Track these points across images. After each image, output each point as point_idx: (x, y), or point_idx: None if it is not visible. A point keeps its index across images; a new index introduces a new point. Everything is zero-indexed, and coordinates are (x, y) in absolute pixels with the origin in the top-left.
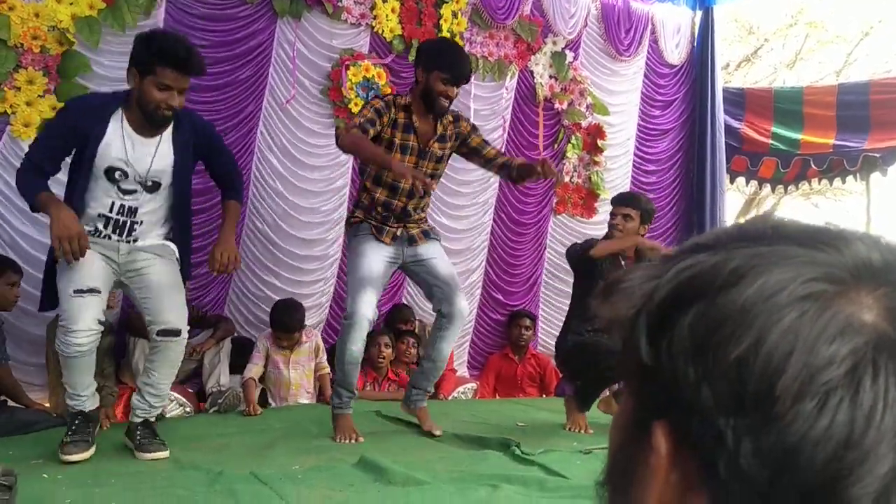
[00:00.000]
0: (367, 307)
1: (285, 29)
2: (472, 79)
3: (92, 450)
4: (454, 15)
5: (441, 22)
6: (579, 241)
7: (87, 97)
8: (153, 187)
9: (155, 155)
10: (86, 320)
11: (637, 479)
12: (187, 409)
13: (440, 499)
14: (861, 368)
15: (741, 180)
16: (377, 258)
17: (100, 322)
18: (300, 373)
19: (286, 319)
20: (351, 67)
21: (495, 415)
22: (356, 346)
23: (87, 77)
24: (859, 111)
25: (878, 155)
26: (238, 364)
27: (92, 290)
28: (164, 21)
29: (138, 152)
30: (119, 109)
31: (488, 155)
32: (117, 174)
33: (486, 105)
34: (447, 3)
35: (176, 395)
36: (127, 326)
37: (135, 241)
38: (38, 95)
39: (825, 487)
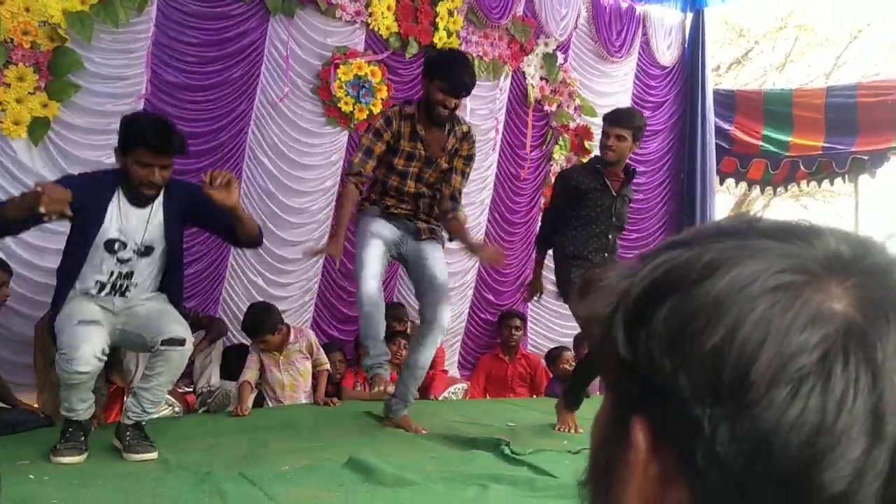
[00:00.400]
0: (373, 279)
1: (278, 27)
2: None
3: (84, 455)
4: (450, 13)
5: (437, 20)
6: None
7: (86, 177)
8: (146, 252)
9: (147, 223)
10: (90, 346)
11: (617, 475)
12: (176, 409)
13: (430, 499)
14: (832, 356)
15: (731, 181)
16: (385, 228)
17: (104, 352)
18: (294, 374)
19: (256, 323)
20: (341, 66)
21: (485, 415)
22: (369, 284)
23: (78, 74)
24: (847, 114)
25: (866, 157)
26: (230, 369)
27: (95, 322)
28: (155, 18)
29: (132, 223)
30: (118, 187)
31: (453, 184)
32: (116, 245)
33: (482, 104)
34: (443, 0)
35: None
36: None
37: (126, 294)
38: (29, 92)
39: (799, 472)
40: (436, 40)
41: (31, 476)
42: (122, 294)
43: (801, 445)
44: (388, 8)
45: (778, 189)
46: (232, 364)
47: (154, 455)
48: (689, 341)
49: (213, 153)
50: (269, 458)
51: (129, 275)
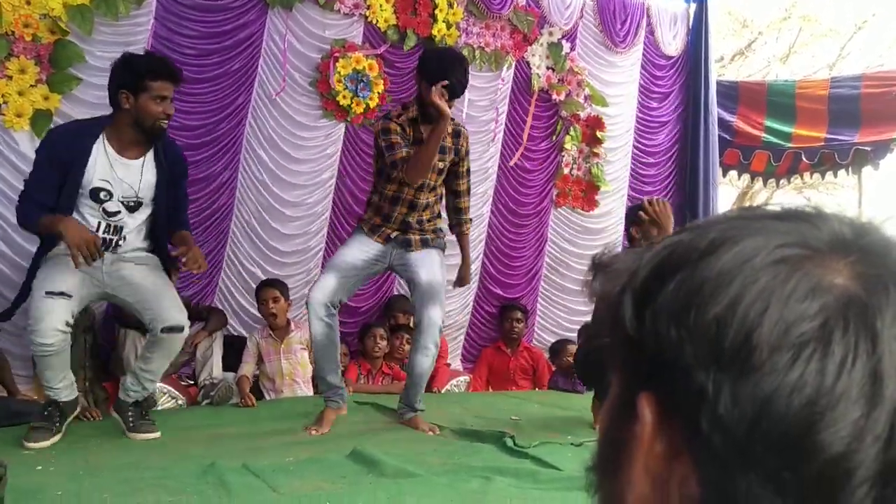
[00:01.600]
0: (319, 291)
1: (276, 20)
2: (469, 69)
3: (56, 437)
4: (450, 4)
5: (436, 12)
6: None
7: (69, 125)
8: (135, 206)
9: (141, 176)
10: (51, 320)
11: (625, 456)
12: (179, 402)
13: (432, 491)
14: (832, 323)
15: (733, 174)
16: (358, 251)
17: (67, 324)
18: (293, 362)
19: (274, 279)
20: (340, 59)
21: (488, 407)
22: (314, 328)
23: (79, 67)
24: (851, 105)
25: (868, 148)
26: (230, 362)
27: (62, 294)
28: (155, 10)
29: (122, 174)
30: (101, 134)
31: (459, 188)
32: (102, 195)
33: (482, 95)
34: None
35: (168, 387)
36: (117, 318)
37: (116, 250)
38: (31, 85)
39: (800, 433)
40: (435, 32)
41: (39, 467)
42: (113, 248)
43: (801, 406)
44: (387, 0)
45: (781, 181)
46: (231, 356)
47: (157, 435)
48: (694, 312)
49: (210, 145)
50: (272, 450)
51: (119, 229)
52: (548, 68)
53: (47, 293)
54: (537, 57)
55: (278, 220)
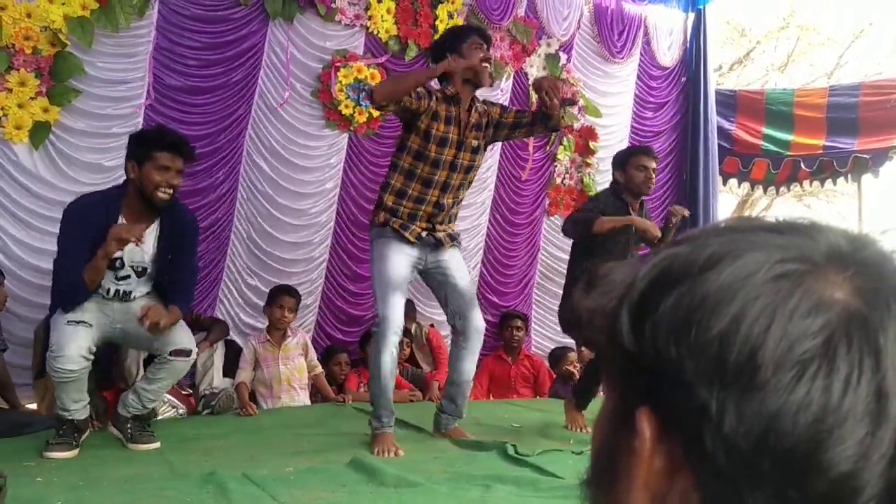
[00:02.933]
0: (397, 313)
1: (277, 31)
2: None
3: (75, 451)
4: (450, 15)
5: (437, 23)
6: (577, 213)
7: (91, 199)
8: (143, 272)
9: (145, 244)
10: (76, 346)
11: (622, 470)
12: (180, 411)
13: (433, 499)
14: (835, 340)
15: (733, 182)
16: (401, 261)
17: (90, 351)
18: (290, 368)
19: (288, 288)
20: (341, 69)
21: (489, 416)
22: (388, 352)
23: (79, 79)
24: (849, 113)
25: (867, 156)
26: (229, 369)
27: (83, 323)
28: (156, 22)
29: (131, 243)
30: (121, 205)
31: (528, 119)
32: (116, 263)
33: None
34: (443, 3)
35: (169, 396)
36: None
37: (125, 302)
38: (30, 97)
39: (807, 452)
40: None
41: (39, 478)
42: (121, 301)
43: (808, 424)
44: (388, 11)
45: (780, 189)
46: (232, 365)
47: (157, 445)
48: (696, 328)
49: (211, 156)
50: (272, 459)
51: (127, 294)
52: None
53: (69, 322)
54: (535, 68)
55: (280, 230)
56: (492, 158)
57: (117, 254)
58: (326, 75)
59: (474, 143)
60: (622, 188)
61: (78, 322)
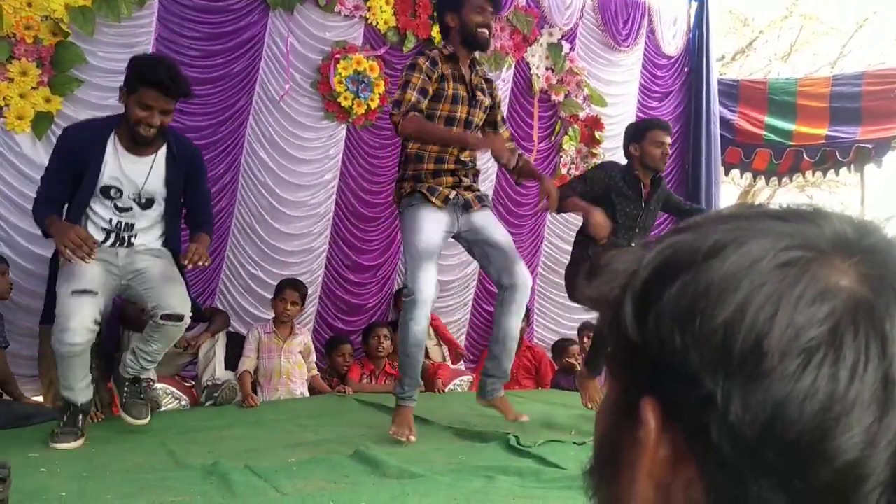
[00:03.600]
0: (429, 284)
1: (277, 22)
2: None
3: (81, 440)
4: None
5: (436, 13)
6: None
7: (84, 123)
8: (147, 204)
9: (149, 174)
10: (81, 318)
11: (625, 461)
12: (183, 403)
13: (435, 490)
14: (842, 327)
15: (735, 172)
16: (434, 229)
17: (96, 322)
18: (292, 362)
19: (294, 282)
20: (341, 61)
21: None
22: (420, 325)
23: (81, 68)
24: (852, 102)
25: (870, 146)
26: (230, 357)
27: (88, 291)
28: (157, 11)
29: (131, 171)
30: (113, 131)
31: (497, 118)
32: (112, 192)
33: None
34: None
35: (171, 388)
36: (121, 320)
37: (130, 245)
38: (32, 87)
39: (813, 439)
40: (434, 34)
41: (43, 469)
42: (126, 245)
43: (815, 413)
44: (387, 2)
45: (783, 179)
46: (235, 357)
47: (146, 421)
48: (700, 317)
49: (212, 147)
50: (275, 450)
51: (130, 226)
52: (547, 69)
53: (74, 292)
54: (537, 57)
55: (280, 221)
56: None
57: (113, 183)
58: (326, 67)
59: (486, 101)
60: (635, 162)
61: (83, 292)
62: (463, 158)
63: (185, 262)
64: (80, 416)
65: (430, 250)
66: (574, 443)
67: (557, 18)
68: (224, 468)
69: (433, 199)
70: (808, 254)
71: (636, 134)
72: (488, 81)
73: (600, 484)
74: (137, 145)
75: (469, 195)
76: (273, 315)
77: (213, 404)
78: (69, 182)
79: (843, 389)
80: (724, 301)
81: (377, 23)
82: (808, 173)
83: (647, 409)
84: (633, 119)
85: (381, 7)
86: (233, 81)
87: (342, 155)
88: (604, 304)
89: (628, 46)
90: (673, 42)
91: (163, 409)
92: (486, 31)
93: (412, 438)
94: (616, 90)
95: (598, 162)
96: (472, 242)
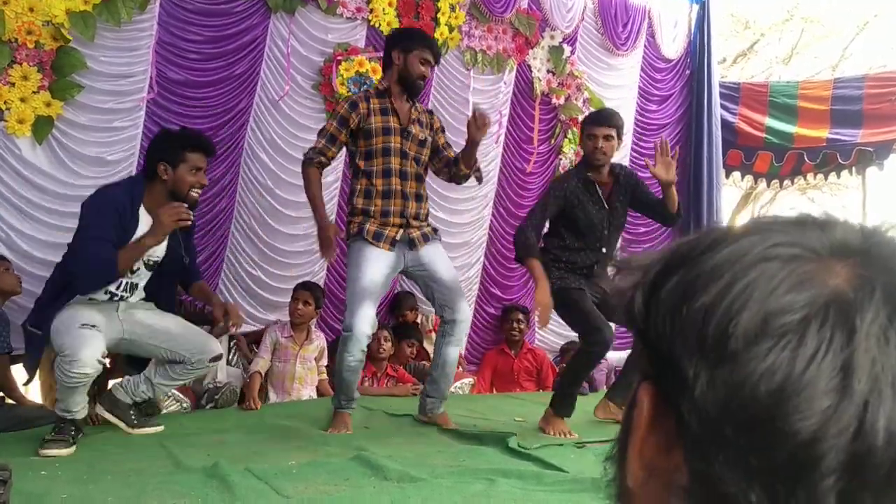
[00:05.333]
0: (365, 323)
1: (279, 24)
2: (471, 72)
3: (72, 449)
4: (452, 8)
5: (439, 15)
6: (534, 210)
7: (121, 189)
8: (153, 266)
9: (165, 241)
10: (92, 350)
11: (630, 444)
12: (184, 405)
13: (436, 494)
14: (811, 316)
15: (736, 175)
16: (377, 268)
17: (104, 356)
18: (306, 368)
19: (306, 283)
20: (343, 62)
21: (492, 409)
22: (355, 358)
23: (82, 74)
24: (853, 105)
25: (871, 149)
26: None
27: (95, 327)
28: (158, 15)
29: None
30: (142, 205)
31: (447, 157)
32: None
33: (484, 99)
34: None
35: (173, 390)
36: None
37: (128, 296)
38: (33, 91)
39: (766, 416)
40: (437, 36)
41: (44, 472)
42: (122, 297)
43: (769, 393)
44: (390, 4)
45: (784, 182)
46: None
47: (161, 428)
48: (686, 304)
49: None
50: (275, 453)
51: (135, 286)
52: (548, 72)
53: (83, 325)
54: (538, 60)
55: (280, 222)
56: (494, 151)
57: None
58: (328, 69)
59: (420, 135)
60: (583, 161)
61: (92, 326)
62: (408, 191)
63: (230, 328)
64: (73, 429)
65: (371, 290)
66: (575, 445)
67: (559, 21)
68: (224, 471)
69: (380, 245)
70: (796, 251)
71: (581, 129)
72: (429, 113)
73: (613, 468)
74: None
75: (416, 233)
76: (288, 319)
77: (213, 407)
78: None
79: (799, 373)
80: (707, 288)
81: (379, 24)
82: (810, 176)
83: (642, 392)
84: (631, 123)
85: (383, 9)
86: (234, 84)
87: (344, 157)
88: (621, 297)
89: (627, 50)
90: (673, 45)
91: (164, 411)
92: (422, 82)
93: (348, 431)
94: (615, 94)
95: (556, 177)
96: (417, 277)
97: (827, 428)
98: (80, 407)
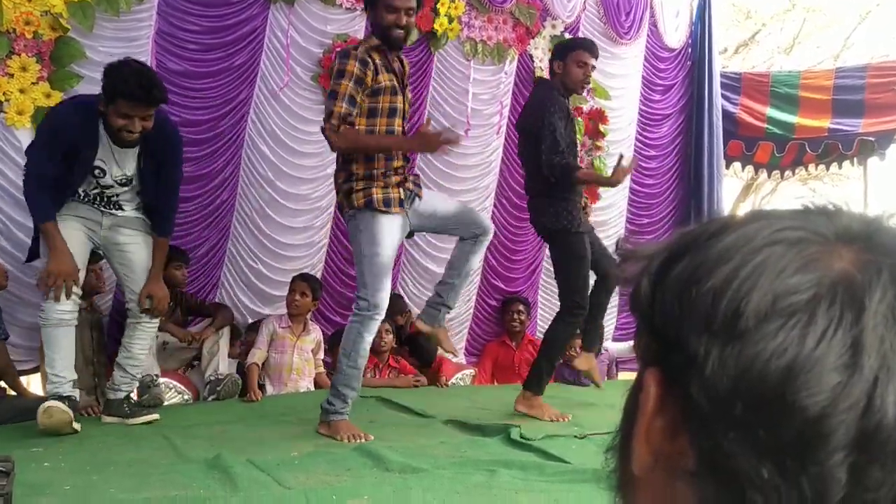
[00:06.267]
0: (387, 299)
1: (278, 15)
2: (472, 63)
3: (69, 415)
4: None
5: (438, 6)
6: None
7: (79, 108)
8: (126, 183)
9: (128, 162)
10: (62, 301)
11: (635, 432)
12: (186, 397)
13: (438, 484)
14: (820, 296)
15: (737, 165)
16: (393, 240)
17: (76, 296)
18: (303, 359)
19: (303, 274)
20: None
21: (494, 401)
22: (370, 337)
23: (81, 63)
24: (855, 94)
25: (872, 139)
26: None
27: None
28: (157, 5)
29: (116, 159)
30: (101, 123)
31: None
32: (97, 171)
33: (485, 89)
34: None
35: (174, 382)
36: (125, 317)
37: (117, 209)
38: (32, 83)
39: (776, 393)
40: (436, 26)
41: (46, 463)
42: (109, 209)
43: (780, 370)
44: None
45: (785, 172)
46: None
47: (156, 416)
48: (695, 288)
49: (214, 141)
50: (277, 444)
51: (112, 198)
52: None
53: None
54: (540, 50)
55: (282, 214)
56: (497, 142)
57: (100, 165)
58: (328, 60)
59: (409, 93)
60: (556, 81)
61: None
62: (403, 167)
63: (141, 310)
64: (66, 402)
65: (390, 264)
66: (576, 436)
67: (560, 10)
68: (226, 462)
69: (391, 210)
70: (802, 234)
71: (561, 51)
72: (403, 60)
73: (616, 458)
74: (118, 141)
75: (412, 187)
76: (286, 311)
77: (215, 398)
78: (61, 160)
79: (809, 350)
80: (715, 272)
81: None
82: (811, 166)
83: (649, 377)
84: (635, 112)
85: None
86: (233, 75)
87: None
88: (628, 282)
89: (630, 39)
90: (675, 35)
91: (166, 403)
92: (399, 31)
93: (370, 437)
94: (618, 83)
95: (534, 89)
96: (429, 228)
97: (837, 404)
98: (65, 373)
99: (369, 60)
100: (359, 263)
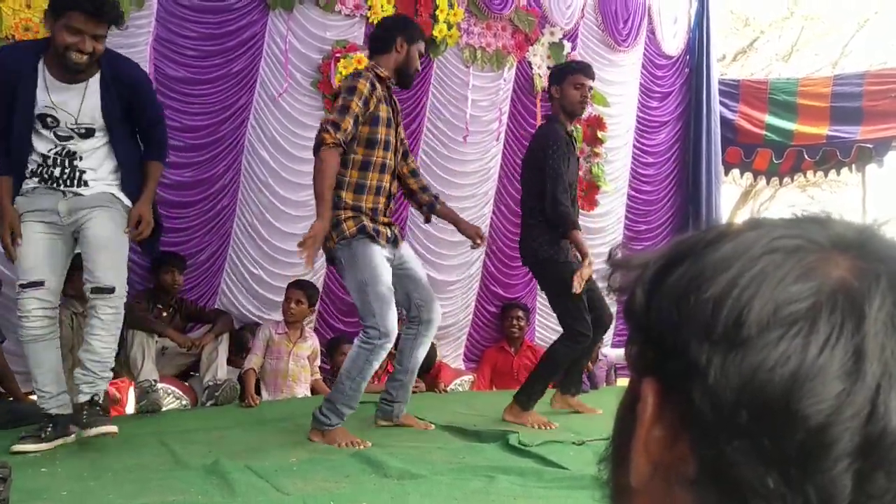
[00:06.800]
0: (396, 323)
1: (277, 21)
2: (471, 70)
3: (42, 445)
4: (450, 5)
5: (437, 12)
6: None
7: (12, 48)
8: (87, 134)
9: (82, 103)
10: (33, 310)
11: (633, 443)
12: (184, 403)
13: (436, 490)
14: (820, 305)
15: (736, 172)
16: (387, 268)
17: (50, 307)
18: (300, 366)
19: (298, 281)
20: (341, 59)
21: (492, 407)
22: (378, 364)
23: None
24: (853, 102)
25: (871, 146)
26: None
27: (34, 284)
28: (156, 12)
29: (62, 98)
30: (41, 59)
31: (413, 165)
32: (49, 120)
33: (484, 96)
34: None
35: (173, 388)
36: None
37: (81, 186)
38: None
39: (781, 402)
40: (435, 33)
41: (43, 469)
42: (78, 182)
43: (784, 379)
44: (388, 1)
45: (784, 179)
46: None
47: (114, 428)
48: (693, 296)
49: (213, 146)
50: (275, 450)
51: (73, 154)
52: (549, 68)
53: (20, 286)
54: (538, 57)
55: (282, 220)
56: (496, 149)
57: (48, 112)
58: (327, 66)
59: (402, 132)
60: (556, 107)
61: (29, 285)
62: (392, 189)
63: (129, 236)
64: (51, 427)
65: (391, 291)
66: (574, 443)
67: (559, 18)
68: (225, 468)
69: (379, 241)
70: (799, 242)
71: (558, 76)
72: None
73: (612, 469)
74: (67, 73)
75: (396, 230)
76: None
77: (213, 404)
78: (4, 110)
79: (812, 359)
80: (715, 280)
81: (378, 22)
82: (810, 173)
83: (646, 387)
84: (633, 119)
85: (382, 6)
86: (233, 81)
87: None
88: (622, 292)
89: (628, 46)
90: (673, 42)
91: (164, 409)
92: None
93: (368, 444)
94: (616, 90)
95: (539, 127)
96: (397, 276)
97: (841, 412)
98: (49, 388)
99: (377, 86)
100: (360, 293)
